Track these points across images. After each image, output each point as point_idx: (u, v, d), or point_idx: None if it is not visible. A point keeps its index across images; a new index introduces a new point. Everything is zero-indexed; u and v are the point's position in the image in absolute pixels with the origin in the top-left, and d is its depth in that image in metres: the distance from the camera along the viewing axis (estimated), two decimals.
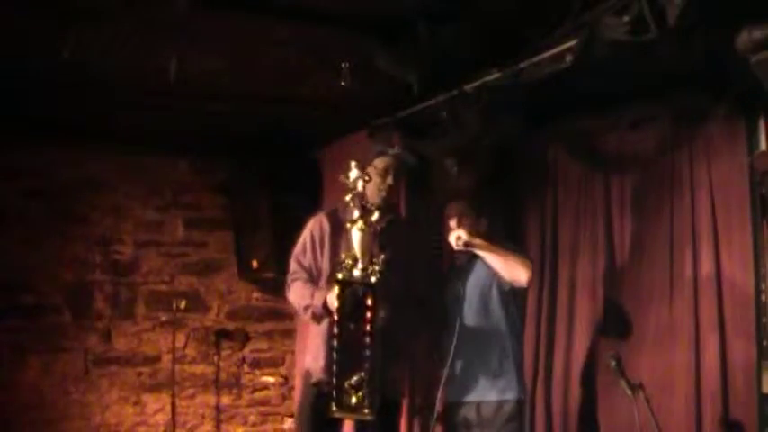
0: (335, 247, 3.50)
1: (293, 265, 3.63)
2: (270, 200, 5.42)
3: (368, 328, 3.14)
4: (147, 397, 5.49)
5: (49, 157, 5.26)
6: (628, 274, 4.01)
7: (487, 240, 3.71)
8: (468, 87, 3.76)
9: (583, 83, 3.62)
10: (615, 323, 4.00)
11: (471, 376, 3.66)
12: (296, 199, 5.11)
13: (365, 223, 3.20)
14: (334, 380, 3.22)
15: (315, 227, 3.62)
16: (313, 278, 3.57)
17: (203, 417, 5.63)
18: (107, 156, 5.39)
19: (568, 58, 3.12)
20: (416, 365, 4.21)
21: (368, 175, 3.29)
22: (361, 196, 3.24)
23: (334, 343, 3.21)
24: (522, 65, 3.41)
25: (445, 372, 3.63)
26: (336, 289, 3.18)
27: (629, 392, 3.32)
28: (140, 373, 5.49)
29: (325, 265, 3.55)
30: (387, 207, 3.51)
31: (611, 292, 4.05)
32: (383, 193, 3.48)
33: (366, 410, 3.21)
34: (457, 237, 3.63)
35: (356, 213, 3.23)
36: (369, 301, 3.14)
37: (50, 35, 3.30)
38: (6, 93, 4.14)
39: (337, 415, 3.27)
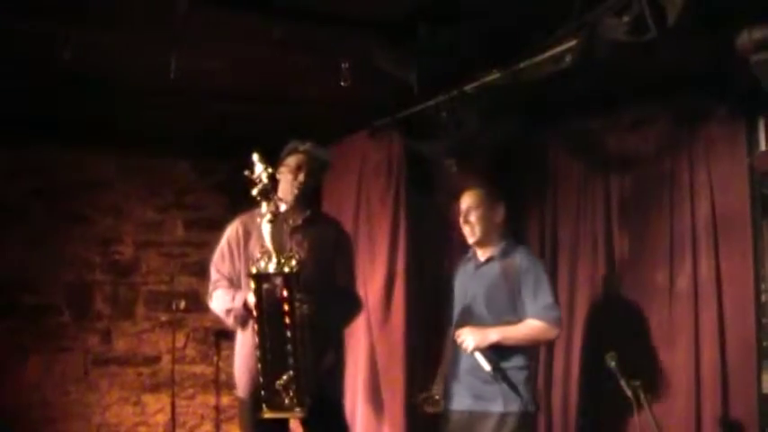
0: (253, 250, 3.39)
1: (213, 274, 3.54)
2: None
3: (287, 321, 3.03)
4: (147, 397, 5.50)
5: (49, 157, 5.26)
6: (628, 274, 4.00)
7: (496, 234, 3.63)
8: (468, 87, 3.76)
9: (583, 83, 3.62)
10: (615, 323, 3.99)
11: (473, 385, 3.56)
12: None
13: (274, 215, 3.10)
14: (260, 379, 3.11)
15: (231, 233, 3.55)
16: (234, 285, 3.47)
17: (203, 417, 5.63)
18: (107, 156, 5.40)
19: (568, 58, 3.12)
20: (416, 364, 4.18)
21: (275, 170, 3.22)
22: (270, 190, 3.14)
23: (256, 341, 3.10)
24: (522, 65, 3.41)
25: (440, 372, 3.59)
26: (252, 284, 3.08)
27: (629, 392, 3.32)
28: (140, 374, 5.49)
29: (243, 270, 3.43)
30: (303, 204, 3.44)
31: (611, 292, 4.05)
32: (296, 191, 3.41)
33: (298, 409, 3.10)
34: (464, 347, 3.50)
35: (264, 207, 3.12)
36: (285, 293, 3.03)
37: (51, 36, 3.30)
38: (7, 93, 4.14)
39: (269, 416, 3.14)
